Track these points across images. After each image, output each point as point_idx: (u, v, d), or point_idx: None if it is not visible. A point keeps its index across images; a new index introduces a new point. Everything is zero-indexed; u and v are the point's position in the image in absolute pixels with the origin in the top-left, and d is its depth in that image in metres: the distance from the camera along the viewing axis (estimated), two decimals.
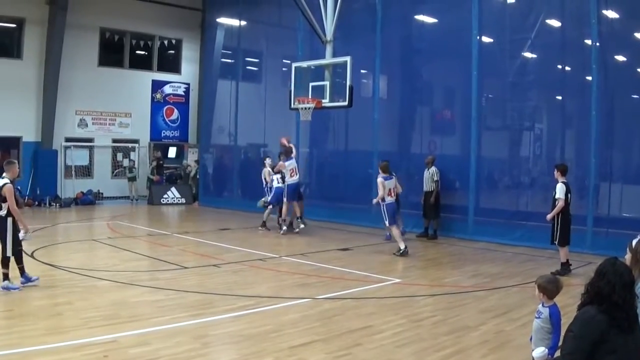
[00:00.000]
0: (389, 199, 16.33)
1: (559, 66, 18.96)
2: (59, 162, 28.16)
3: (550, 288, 6.14)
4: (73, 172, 28.74)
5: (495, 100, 20.79)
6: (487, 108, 20.37)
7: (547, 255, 15.81)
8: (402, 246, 15.89)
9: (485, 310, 10.29)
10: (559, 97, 19.55)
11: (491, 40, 20.08)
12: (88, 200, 28.37)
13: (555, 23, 18.93)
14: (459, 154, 20.45)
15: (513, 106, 19.94)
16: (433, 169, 19.02)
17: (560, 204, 13.22)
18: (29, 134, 27.65)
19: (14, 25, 27.43)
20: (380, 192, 16.23)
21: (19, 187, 26.13)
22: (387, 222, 16.42)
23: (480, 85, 19.17)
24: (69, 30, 27.56)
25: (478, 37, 19.08)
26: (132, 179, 29.96)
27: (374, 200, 16.84)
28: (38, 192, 26.78)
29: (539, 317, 6.17)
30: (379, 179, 16.45)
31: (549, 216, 13.55)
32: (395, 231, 16.35)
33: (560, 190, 13.30)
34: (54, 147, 28.09)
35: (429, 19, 21.67)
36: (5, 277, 10.80)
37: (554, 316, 6.11)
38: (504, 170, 20.33)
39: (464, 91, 19.96)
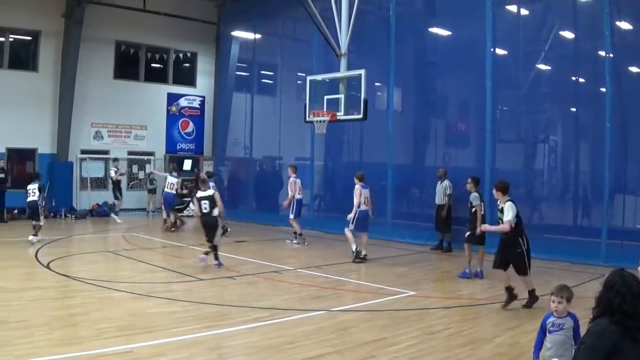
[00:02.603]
0: (363, 207, 16.85)
1: (573, 78, 18.98)
2: (75, 174, 28.34)
3: (572, 294, 6.24)
4: (88, 184, 28.90)
5: (510, 113, 20.81)
6: (502, 120, 20.38)
7: (563, 268, 15.80)
8: (354, 247, 16.79)
9: (499, 323, 10.31)
10: (573, 109, 19.55)
11: (505, 52, 20.12)
12: (103, 212, 28.53)
13: (568, 35, 18.96)
14: (474, 167, 20.41)
15: (527, 118, 19.97)
16: (446, 182, 19.02)
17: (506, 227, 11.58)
18: (45, 146, 27.83)
19: (29, 38, 27.73)
20: (357, 199, 16.76)
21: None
22: (351, 226, 16.86)
23: (494, 98, 19.18)
24: (84, 43, 27.80)
25: (492, 50, 19.11)
26: (152, 191, 30.02)
27: (353, 212, 17.01)
28: (54, 203, 26.93)
29: (561, 329, 6.17)
30: (357, 187, 16.95)
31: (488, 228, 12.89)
32: (351, 235, 16.89)
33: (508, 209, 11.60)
34: (70, 159, 28.24)
35: (442, 32, 21.75)
36: None
37: (578, 323, 6.16)
38: (519, 183, 20.27)
39: (478, 103, 19.99)
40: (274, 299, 12.00)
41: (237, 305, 11.18)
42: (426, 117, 22.75)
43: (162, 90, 31.71)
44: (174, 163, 29.54)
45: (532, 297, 11.40)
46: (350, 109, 17.51)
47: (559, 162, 19.82)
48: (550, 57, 18.79)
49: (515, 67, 19.73)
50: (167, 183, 23.68)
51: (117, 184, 26.95)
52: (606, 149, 16.62)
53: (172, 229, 22.68)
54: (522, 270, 11.30)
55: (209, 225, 15.86)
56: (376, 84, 23.27)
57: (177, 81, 32.46)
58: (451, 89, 21.94)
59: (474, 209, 14.61)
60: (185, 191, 24.26)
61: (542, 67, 19.33)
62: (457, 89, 21.72)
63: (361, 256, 16.76)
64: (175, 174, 24.08)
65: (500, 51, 19.89)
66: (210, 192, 16.14)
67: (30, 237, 18.55)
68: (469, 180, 14.61)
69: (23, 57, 27.87)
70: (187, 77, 32.97)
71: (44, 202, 19.23)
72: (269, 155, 28.91)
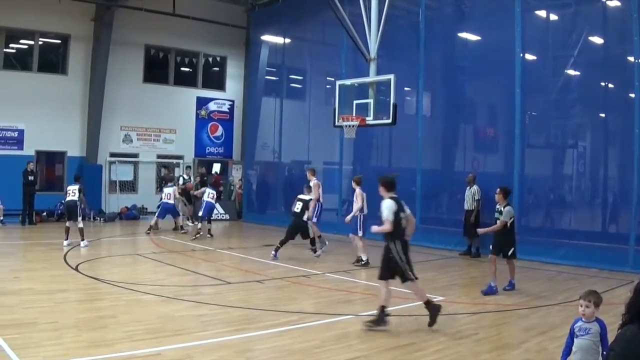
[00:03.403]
0: (366, 210, 16.97)
1: (602, 83, 18.90)
2: (104, 177, 28.66)
3: (601, 300, 6.26)
4: (117, 187, 29.19)
5: (539, 118, 20.75)
6: (531, 126, 20.32)
7: (591, 274, 15.77)
8: (365, 257, 16.84)
9: (527, 329, 10.30)
10: (602, 115, 19.46)
11: (534, 57, 20.07)
12: (132, 215, 28.81)
13: (597, 40, 18.87)
14: (502, 172, 20.38)
15: (556, 124, 19.90)
16: (475, 187, 19.04)
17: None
18: (74, 149, 28.21)
19: (59, 42, 28.11)
20: (359, 204, 16.83)
21: (63, 201, 26.81)
22: (360, 233, 16.92)
23: (523, 103, 19.13)
24: (114, 46, 28.16)
25: (521, 55, 19.08)
26: (182, 194, 30.21)
27: (349, 216, 17.11)
28: (82, 206, 27.15)
29: (587, 334, 6.19)
30: (358, 190, 17.07)
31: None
32: (361, 243, 17.00)
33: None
34: (99, 162, 28.60)
35: (472, 37, 21.73)
36: None
37: (605, 329, 6.17)
38: (547, 188, 20.23)
39: (507, 109, 19.94)
40: (303, 303, 12.10)
41: (266, 309, 11.25)
42: (455, 122, 22.75)
43: (191, 94, 31.98)
44: (170, 174, 29.55)
45: (433, 307, 10.44)
46: (379, 113, 17.53)
47: (588, 168, 19.73)
48: (580, 63, 18.72)
49: (545, 72, 19.68)
50: (164, 194, 24.26)
51: (185, 193, 26.88)
52: (635, 154, 16.51)
53: (196, 235, 22.41)
54: (402, 277, 10.65)
55: (301, 227, 17.92)
56: (405, 88, 23.31)
57: (206, 85, 32.72)
58: (480, 94, 21.92)
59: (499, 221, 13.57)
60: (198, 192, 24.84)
61: (571, 72, 19.26)
62: (486, 94, 21.70)
63: (362, 262, 16.90)
64: (170, 184, 24.95)
65: (529, 56, 19.84)
66: (308, 196, 17.71)
67: (82, 244, 18.81)
68: (498, 190, 13.71)
69: (53, 61, 28.24)
70: (216, 81, 33.21)
71: (83, 205, 19.41)
72: (297, 160, 29.02)
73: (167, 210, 24.02)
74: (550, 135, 20.37)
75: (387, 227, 10.26)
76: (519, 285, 14.16)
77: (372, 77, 17.78)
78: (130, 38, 28.97)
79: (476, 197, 18.93)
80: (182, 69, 32.00)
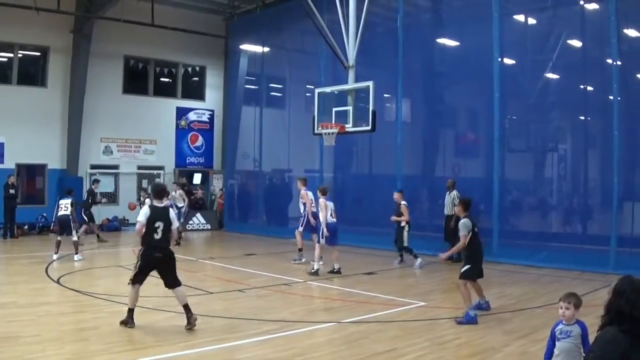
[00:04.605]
0: (331, 219, 16.72)
1: (581, 86, 19.01)
2: (85, 189, 28.40)
3: (581, 302, 6.24)
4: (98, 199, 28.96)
5: (518, 122, 20.84)
6: (510, 130, 20.42)
7: (573, 277, 15.82)
8: (317, 266, 16.60)
9: (509, 332, 10.31)
10: (582, 117, 19.58)
11: (513, 61, 20.17)
12: (114, 226, 28.64)
13: (576, 43, 18.99)
14: (483, 177, 20.46)
15: (536, 127, 19.99)
16: (454, 192, 19.03)
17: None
18: (55, 161, 27.99)
19: (38, 54, 27.92)
20: (323, 213, 16.61)
21: (44, 214, 26.59)
22: (322, 240, 16.71)
23: (502, 107, 19.21)
24: (93, 58, 27.99)
25: (499, 59, 19.17)
26: None
27: (323, 228, 16.82)
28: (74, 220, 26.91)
29: (568, 337, 6.18)
30: (322, 200, 16.78)
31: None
32: (319, 251, 16.76)
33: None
34: (80, 174, 28.36)
35: (450, 42, 21.81)
36: None
37: (586, 331, 6.16)
38: (528, 192, 20.31)
39: (486, 113, 20.03)
40: (284, 312, 12.03)
41: (247, 318, 11.20)
42: (435, 127, 22.79)
43: (171, 105, 31.87)
44: (183, 178, 29.57)
45: (188, 313, 10.50)
46: (358, 120, 17.55)
47: (568, 171, 19.82)
48: (558, 66, 18.81)
49: (523, 76, 19.76)
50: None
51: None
52: (614, 156, 16.60)
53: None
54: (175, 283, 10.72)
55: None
56: (384, 95, 23.33)
57: (186, 95, 32.65)
58: (459, 99, 22.00)
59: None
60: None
61: (550, 75, 19.36)
62: (465, 99, 21.79)
63: (335, 270, 16.68)
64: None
65: (508, 60, 19.94)
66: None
67: (75, 257, 18.67)
68: (457, 202, 13.08)
69: (32, 73, 28.04)
70: (196, 91, 33.15)
71: (72, 218, 19.27)
72: (278, 168, 28.99)
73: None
74: (530, 138, 20.46)
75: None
76: (502, 289, 14.19)
77: (351, 85, 17.80)
78: (109, 49, 28.83)
79: (456, 202, 18.86)
80: (162, 79, 31.89)
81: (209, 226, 30.19)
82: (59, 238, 18.87)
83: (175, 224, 10.83)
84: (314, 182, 24.51)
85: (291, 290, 14.47)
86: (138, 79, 30.87)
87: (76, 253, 18.76)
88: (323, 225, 16.61)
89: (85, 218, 23.01)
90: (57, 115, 27.86)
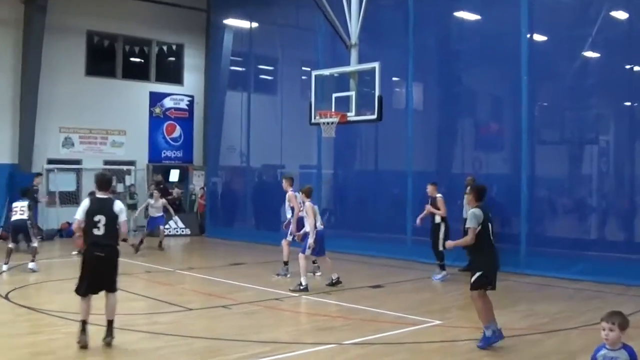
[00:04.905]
0: (320, 226, 16.49)
1: (627, 66, 18.91)
2: (41, 187, 28.21)
3: (627, 322, 6.15)
4: (57, 199, 28.81)
5: (551, 109, 20.79)
6: (541, 118, 20.36)
7: (617, 292, 15.78)
8: (304, 281, 16.09)
9: (541, 357, 10.27)
10: (627, 103, 19.50)
11: (544, 38, 20.12)
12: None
13: (620, 15, 18.92)
14: (509, 173, 20.41)
15: (572, 115, 19.93)
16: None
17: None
18: (4, 155, 27.76)
19: None
20: (311, 220, 16.24)
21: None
22: (308, 251, 16.34)
23: (531, 92, 19.14)
24: (49, 33, 27.71)
25: (528, 36, 19.10)
26: (133, 207, 30.01)
27: (301, 233, 16.79)
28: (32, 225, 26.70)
29: None
30: (308, 204, 16.46)
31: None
32: (305, 263, 16.34)
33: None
34: (34, 171, 27.97)
35: (470, 16, 21.74)
36: None
37: (635, 357, 6.08)
38: (562, 191, 20.25)
39: (512, 99, 19.96)
40: (276, 331, 11.97)
41: (233, 339, 11.14)
42: (452, 116, 22.73)
43: (143, 89, 31.79)
44: (158, 175, 29.51)
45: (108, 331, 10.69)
46: (362, 108, 17.49)
47: (611, 166, 19.75)
48: (599, 42, 18.70)
49: (557, 55, 19.69)
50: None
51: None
52: None
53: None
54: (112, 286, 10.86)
55: None
56: (393, 78, 23.29)
57: (160, 78, 32.55)
58: (481, 83, 21.93)
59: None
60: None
61: (589, 54, 19.29)
62: (487, 83, 21.70)
63: (334, 281, 16.56)
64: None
65: (538, 37, 19.88)
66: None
67: (30, 265, 18.53)
68: (468, 189, 12.72)
69: None
70: (172, 74, 33.06)
71: (32, 222, 19.21)
72: (269, 164, 28.95)
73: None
74: (565, 128, 20.42)
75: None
76: (531, 306, 14.12)
77: (353, 66, 17.74)
78: (69, 23, 28.65)
79: None
80: (132, 59, 31.82)
81: (188, 231, 30.09)
82: (10, 246, 18.76)
83: (122, 218, 10.72)
84: (311, 180, 24.50)
85: (284, 306, 14.40)
86: (104, 59, 30.76)
87: (32, 260, 18.64)
88: (312, 234, 16.23)
89: None
90: (7, 101, 27.62)
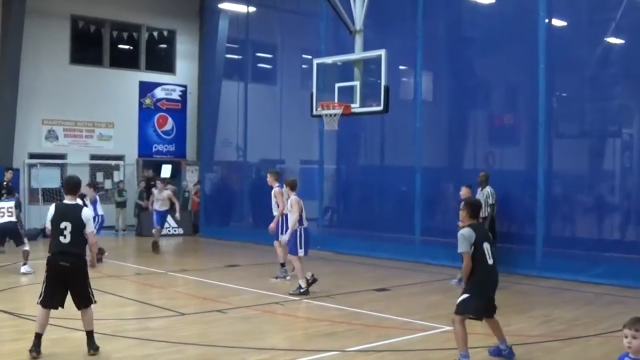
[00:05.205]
0: (306, 223, 16.36)
1: None
2: (22, 183, 28.20)
3: None
4: (40, 197, 28.83)
5: (570, 100, 20.79)
6: (559, 110, 20.36)
7: None
8: (304, 284, 16.00)
9: None
10: None
11: (563, 23, 20.13)
12: None
13: None
14: (524, 169, 20.40)
15: (593, 107, 19.90)
16: (488, 189, 18.85)
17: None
18: None
19: None
20: (296, 214, 16.09)
21: None
22: (301, 252, 16.17)
23: (549, 82, 19.12)
24: (30, 17, 27.80)
25: (546, 20, 19.09)
26: (122, 205, 30.05)
27: (287, 234, 16.51)
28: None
29: None
30: (294, 197, 16.31)
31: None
32: (299, 264, 16.20)
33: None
34: (15, 166, 28.00)
35: (483, 0, 21.71)
36: None
37: None
38: (582, 188, 20.22)
39: (529, 89, 19.95)
40: (275, 338, 12.01)
41: (228, 346, 11.14)
42: (463, 108, 22.71)
43: (132, 78, 31.88)
44: (149, 170, 29.55)
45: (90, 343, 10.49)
46: (367, 99, 17.50)
47: (635, 162, 19.71)
48: (623, 27, 18.67)
49: (577, 42, 19.66)
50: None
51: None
52: None
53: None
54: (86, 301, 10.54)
55: None
56: (400, 67, 23.32)
57: (151, 67, 32.65)
58: (495, 72, 21.87)
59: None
60: None
61: (612, 40, 19.26)
62: (502, 72, 21.64)
63: (302, 289, 16.07)
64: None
65: (557, 22, 19.89)
66: None
67: (23, 269, 18.56)
68: (462, 205, 11.10)
69: None
70: (163, 62, 33.14)
71: (21, 223, 19.24)
72: (267, 159, 28.91)
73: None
74: (585, 121, 20.40)
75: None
76: (548, 311, 14.12)
77: (358, 54, 17.73)
78: (51, 7, 28.73)
79: (490, 201, 18.74)
80: (120, 46, 31.91)
81: (180, 230, 30.10)
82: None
83: (90, 228, 10.58)
84: (312, 175, 24.51)
85: (284, 310, 14.40)
86: (90, 46, 30.87)
87: (25, 264, 18.66)
88: (291, 230, 16.16)
89: None
90: None
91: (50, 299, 10.31)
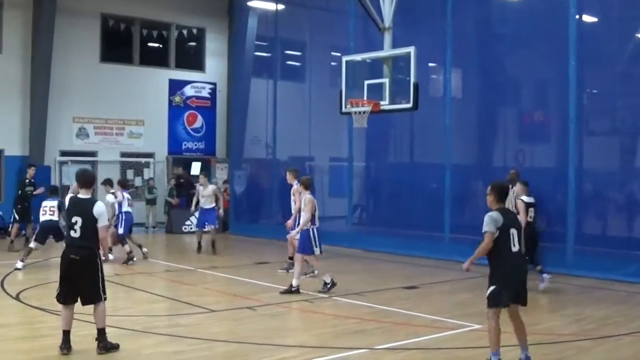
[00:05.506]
0: (318, 222, 16.07)
1: None
2: (53, 181, 28.29)
3: None
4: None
5: (601, 97, 20.64)
6: (590, 107, 20.23)
7: None
8: (329, 279, 15.93)
9: None
10: None
11: (594, 19, 19.98)
12: None
13: None
14: (555, 166, 20.30)
15: (624, 103, 19.76)
16: (518, 186, 18.76)
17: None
18: (13, 146, 28.00)
19: None
20: (308, 213, 15.74)
21: (0, 213, 26.40)
22: (317, 251, 15.97)
23: (580, 78, 18.99)
24: (61, 16, 27.89)
25: (577, 16, 18.94)
26: (152, 202, 30.10)
27: (296, 231, 16.30)
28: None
29: None
30: (308, 196, 15.96)
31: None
32: (317, 263, 16.27)
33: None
34: (46, 163, 28.31)
35: None
36: None
37: None
38: (614, 186, 20.08)
39: (559, 86, 19.83)
40: (304, 335, 12.03)
41: (257, 343, 11.13)
42: (493, 105, 22.62)
43: (162, 76, 31.92)
44: (178, 168, 29.62)
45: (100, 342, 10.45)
46: (397, 96, 17.45)
47: None
48: None
49: (609, 37, 19.53)
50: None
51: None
52: None
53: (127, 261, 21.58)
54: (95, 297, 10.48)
55: None
56: (429, 64, 23.27)
57: (180, 65, 32.67)
58: (525, 69, 21.75)
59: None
60: None
61: None
62: (532, 69, 21.52)
63: (293, 289, 15.79)
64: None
65: (588, 18, 19.75)
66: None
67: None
68: (489, 189, 10.55)
69: None
70: (193, 60, 33.17)
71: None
72: (296, 156, 28.92)
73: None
74: (617, 118, 20.26)
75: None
76: (579, 310, 14.03)
77: (387, 51, 17.68)
78: (82, 5, 28.84)
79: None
80: (150, 44, 31.97)
81: (211, 227, 30.06)
82: (32, 245, 18.94)
83: (102, 222, 10.43)
84: (342, 173, 24.49)
85: (313, 307, 14.41)
86: (120, 44, 30.94)
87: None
88: (300, 228, 15.92)
89: (16, 216, 22.99)
90: (16, 88, 27.85)
91: (65, 295, 10.38)
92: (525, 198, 16.29)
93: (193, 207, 24.09)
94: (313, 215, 15.85)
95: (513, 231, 9.76)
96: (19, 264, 18.50)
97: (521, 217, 15.43)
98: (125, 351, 10.47)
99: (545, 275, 16.09)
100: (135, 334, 11.62)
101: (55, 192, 19.98)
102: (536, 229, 16.64)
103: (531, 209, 16.41)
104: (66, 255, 10.37)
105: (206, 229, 22.91)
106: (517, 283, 9.79)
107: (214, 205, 22.91)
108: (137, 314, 13.25)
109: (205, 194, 22.87)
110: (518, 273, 9.85)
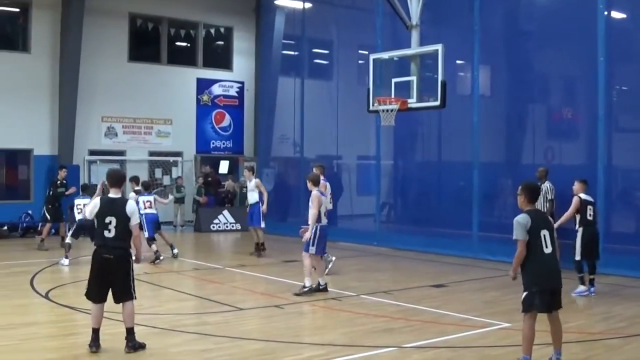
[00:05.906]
0: (325, 220, 15.69)
1: None
2: (82, 180, 28.40)
3: None
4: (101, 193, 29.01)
5: (630, 93, 20.49)
6: (620, 104, 20.09)
7: None
8: (309, 282, 15.42)
9: None
10: None
11: (623, 15, 19.84)
12: None
13: None
14: (584, 164, 20.14)
15: None
16: (547, 184, 18.70)
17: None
18: (43, 145, 28.14)
19: (17, 10, 27.98)
20: (315, 210, 15.31)
21: (29, 212, 26.55)
22: (313, 249, 15.45)
23: (609, 75, 18.85)
24: (89, 16, 28.02)
25: (606, 13, 18.82)
26: (180, 201, 30.18)
27: (309, 233, 15.47)
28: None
29: None
30: (315, 193, 15.51)
31: None
32: (310, 262, 15.57)
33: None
34: (75, 162, 28.41)
35: None
36: None
37: None
38: None
39: (588, 83, 19.73)
40: (332, 333, 11.98)
41: (286, 341, 11.18)
42: (521, 102, 22.51)
43: (190, 75, 32.00)
44: (206, 166, 29.70)
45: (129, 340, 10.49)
46: (424, 94, 17.44)
47: None
48: None
49: (637, 33, 19.42)
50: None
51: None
52: None
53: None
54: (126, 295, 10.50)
55: None
56: (457, 62, 23.18)
57: (208, 64, 32.73)
58: (553, 66, 21.65)
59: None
60: None
61: None
62: (560, 66, 21.43)
63: (321, 287, 15.62)
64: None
65: (616, 14, 19.62)
66: None
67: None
68: (520, 189, 10.04)
69: (10, 35, 28.23)
70: (221, 59, 33.21)
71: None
72: (324, 154, 28.88)
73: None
74: None
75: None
76: (609, 308, 13.94)
77: (414, 49, 17.68)
78: (110, 5, 28.97)
79: (549, 197, 18.58)
80: (178, 43, 32.04)
81: (238, 226, 30.10)
82: (68, 241, 19.17)
83: (134, 221, 10.54)
84: (369, 171, 24.46)
85: (341, 305, 14.38)
86: (148, 43, 31.06)
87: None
88: (312, 226, 15.40)
89: (48, 215, 22.97)
90: (45, 88, 27.98)
91: (95, 292, 10.45)
92: (583, 196, 15.64)
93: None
94: (319, 212, 15.48)
95: (544, 232, 9.45)
96: (65, 261, 18.81)
97: (568, 214, 15.47)
98: (153, 349, 10.51)
99: (592, 289, 15.41)
100: (163, 332, 11.66)
101: (87, 189, 20.09)
102: (597, 229, 15.99)
103: (590, 207, 15.63)
104: (98, 255, 10.42)
105: (250, 228, 22.57)
106: (551, 285, 9.56)
107: (257, 200, 22.13)
108: (165, 312, 13.30)
109: (251, 188, 22.30)
110: (552, 275, 9.58)
